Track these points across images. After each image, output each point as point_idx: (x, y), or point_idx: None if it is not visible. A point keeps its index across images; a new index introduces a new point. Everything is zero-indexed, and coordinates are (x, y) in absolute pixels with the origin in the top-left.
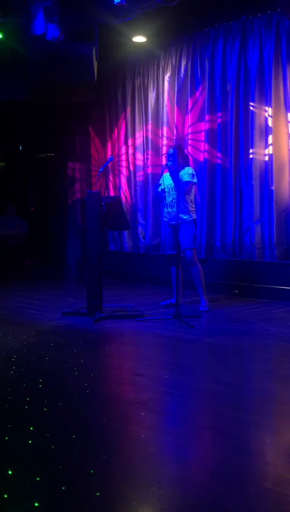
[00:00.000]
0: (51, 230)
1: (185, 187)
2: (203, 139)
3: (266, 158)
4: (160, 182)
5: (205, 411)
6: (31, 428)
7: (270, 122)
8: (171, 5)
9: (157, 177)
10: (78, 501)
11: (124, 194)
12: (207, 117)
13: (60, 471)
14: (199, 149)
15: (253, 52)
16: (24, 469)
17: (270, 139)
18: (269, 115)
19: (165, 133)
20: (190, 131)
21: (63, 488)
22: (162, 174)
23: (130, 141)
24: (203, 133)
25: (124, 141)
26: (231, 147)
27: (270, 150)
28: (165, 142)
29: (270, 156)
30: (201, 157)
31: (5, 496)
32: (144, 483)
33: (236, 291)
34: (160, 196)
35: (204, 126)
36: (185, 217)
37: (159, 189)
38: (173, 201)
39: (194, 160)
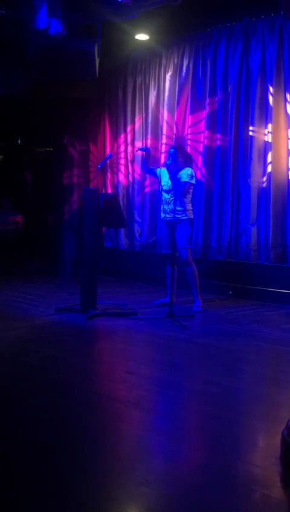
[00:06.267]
0: (47, 225)
1: (183, 187)
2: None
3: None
4: (156, 171)
5: (195, 411)
6: (21, 425)
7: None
8: (175, 4)
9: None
10: (66, 499)
11: (122, 191)
12: (207, 113)
13: (49, 468)
14: (199, 146)
15: (255, 54)
16: (15, 466)
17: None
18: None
19: (165, 132)
20: (189, 131)
21: (52, 486)
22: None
23: (129, 139)
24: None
25: (123, 139)
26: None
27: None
28: (164, 140)
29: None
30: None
31: None
32: (133, 483)
33: (230, 292)
34: (148, 173)
35: (204, 121)
36: (182, 216)
37: (155, 172)
38: (171, 199)
39: (194, 162)
